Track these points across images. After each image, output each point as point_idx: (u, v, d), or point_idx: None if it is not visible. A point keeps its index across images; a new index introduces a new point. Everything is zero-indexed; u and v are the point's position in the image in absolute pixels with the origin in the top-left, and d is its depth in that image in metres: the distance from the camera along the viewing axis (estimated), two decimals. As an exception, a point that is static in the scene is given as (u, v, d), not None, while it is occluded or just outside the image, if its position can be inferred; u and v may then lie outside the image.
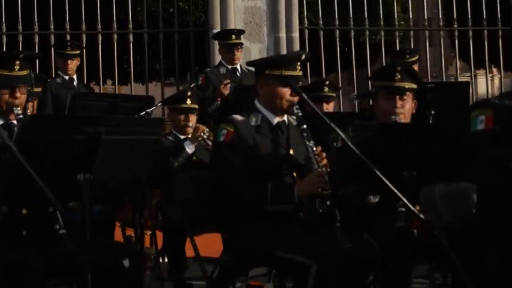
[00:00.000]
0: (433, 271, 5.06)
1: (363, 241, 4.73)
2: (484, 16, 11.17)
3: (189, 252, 5.68)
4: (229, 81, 8.25)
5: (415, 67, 8.27)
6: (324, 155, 4.82)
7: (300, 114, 4.85)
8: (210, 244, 5.63)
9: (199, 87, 8.57)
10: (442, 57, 11.16)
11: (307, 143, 4.78)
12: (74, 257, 3.99)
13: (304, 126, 4.81)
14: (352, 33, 10.68)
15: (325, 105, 6.89)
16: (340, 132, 4.20)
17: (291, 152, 4.92)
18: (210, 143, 6.35)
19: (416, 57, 8.41)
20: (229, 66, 8.78)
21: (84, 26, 10.23)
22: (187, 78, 9.60)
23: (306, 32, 10.50)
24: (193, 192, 5.12)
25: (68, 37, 10.08)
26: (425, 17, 11.48)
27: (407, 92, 5.22)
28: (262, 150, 4.84)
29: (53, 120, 3.67)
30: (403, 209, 4.88)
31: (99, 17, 10.27)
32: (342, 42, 10.81)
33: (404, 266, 4.79)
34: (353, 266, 4.56)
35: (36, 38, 10.11)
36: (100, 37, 10.26)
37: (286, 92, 4.84)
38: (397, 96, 5.20)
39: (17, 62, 4.52)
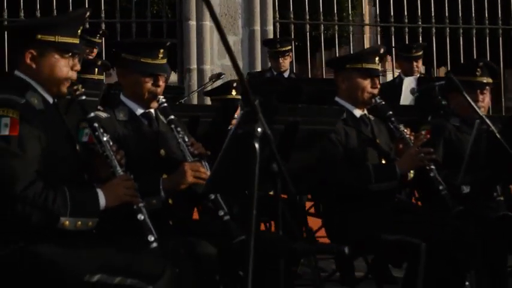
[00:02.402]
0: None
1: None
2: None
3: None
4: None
5: (420, 62, 8.56)
6: (417, 135, 5.06)
7: (383, 103, 5.12)
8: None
9: None
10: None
11: (398, 126, 5.06)
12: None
13: (390, 112, 5.09)
14: (322, 27, 10.90)
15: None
16: (490, 123, 4.43)
17: (377, 141, 5.15)
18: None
19: (421, 52, 8.66)
20: (275, 73, 8.92)
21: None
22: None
23: (278, 25, 10.64)
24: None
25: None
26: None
27: (487, 86, 5.51)
28: (352, 141, 5.04)
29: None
30: (502, 198, 5.21)
31: (71, 6, 10.07)
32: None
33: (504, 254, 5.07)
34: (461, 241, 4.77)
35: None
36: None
37: (367, 84, 5.10)
38: (478, 91, 5.47)
39: (161, 51, 4.48)
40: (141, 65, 4.44)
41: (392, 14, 11.24)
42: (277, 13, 10.67)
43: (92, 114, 3.91)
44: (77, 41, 3.85)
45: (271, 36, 10.35)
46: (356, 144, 5.05)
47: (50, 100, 3.82)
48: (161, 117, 4.62)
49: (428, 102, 6.27)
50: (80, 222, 3.60)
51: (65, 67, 3.81)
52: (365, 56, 5.19)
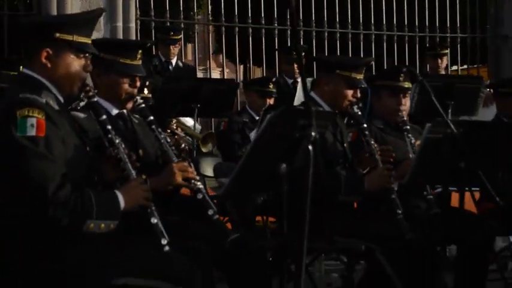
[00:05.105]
0: None
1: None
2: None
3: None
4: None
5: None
6: (383, 148, 5.22)
7: (360, 113, 5.30)
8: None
9: None
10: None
11: (371, 141, 5.19)
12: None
13: (365, 125, 5.26)
14: (182, 25, 10.99)
15: (268, 100, 7.23)
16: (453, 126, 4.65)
17: (345, 145, 5.33)
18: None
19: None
20: (164, 59, 8.75)
21: None
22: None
23: (139, 22, 10.58)
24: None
25: None
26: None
27: (408, 91, 5.84)
28: (327, 142, 5.14)
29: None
30: (431, 197, 5.51)
31: None
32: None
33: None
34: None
35: None
36: None
37: (350, 93, 5.28)
38: (401, 95, 5.78)
39: (140, 51, 4.45)
40: (119, 65, 4.40)
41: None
42: (138, 10, 10.61)
43: (104, 117, 3.84)
44: (90, 41, 3.80)
45: (133, 33, 10.28)
46: (330, 145, 5.18)
47: (62, 100, 3.73)
48: (133, 117, 4.58)
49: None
50: (103, 225, 3.54)
51: (79, 67, 3.75)
52: (356, 66, 5.34)
